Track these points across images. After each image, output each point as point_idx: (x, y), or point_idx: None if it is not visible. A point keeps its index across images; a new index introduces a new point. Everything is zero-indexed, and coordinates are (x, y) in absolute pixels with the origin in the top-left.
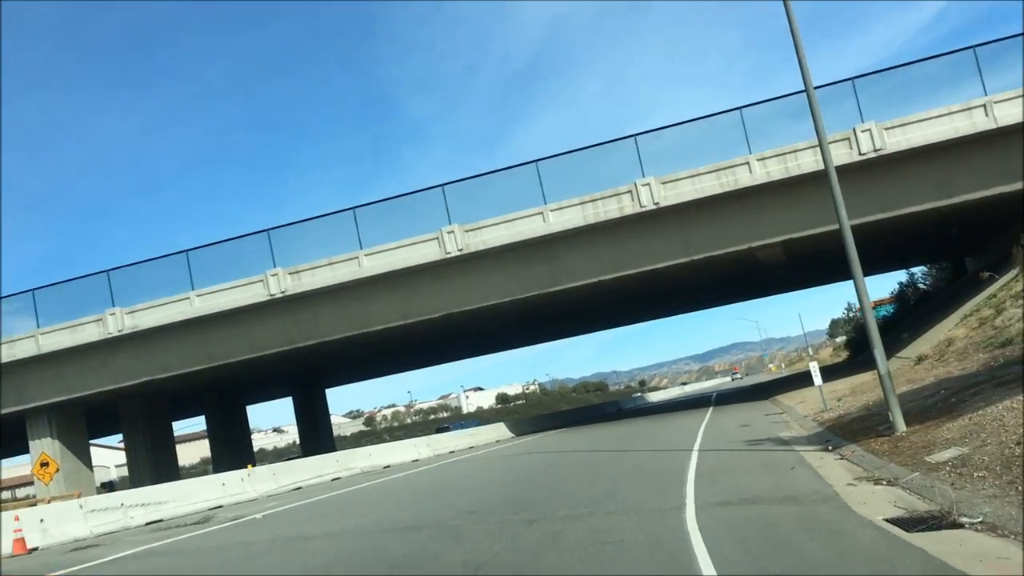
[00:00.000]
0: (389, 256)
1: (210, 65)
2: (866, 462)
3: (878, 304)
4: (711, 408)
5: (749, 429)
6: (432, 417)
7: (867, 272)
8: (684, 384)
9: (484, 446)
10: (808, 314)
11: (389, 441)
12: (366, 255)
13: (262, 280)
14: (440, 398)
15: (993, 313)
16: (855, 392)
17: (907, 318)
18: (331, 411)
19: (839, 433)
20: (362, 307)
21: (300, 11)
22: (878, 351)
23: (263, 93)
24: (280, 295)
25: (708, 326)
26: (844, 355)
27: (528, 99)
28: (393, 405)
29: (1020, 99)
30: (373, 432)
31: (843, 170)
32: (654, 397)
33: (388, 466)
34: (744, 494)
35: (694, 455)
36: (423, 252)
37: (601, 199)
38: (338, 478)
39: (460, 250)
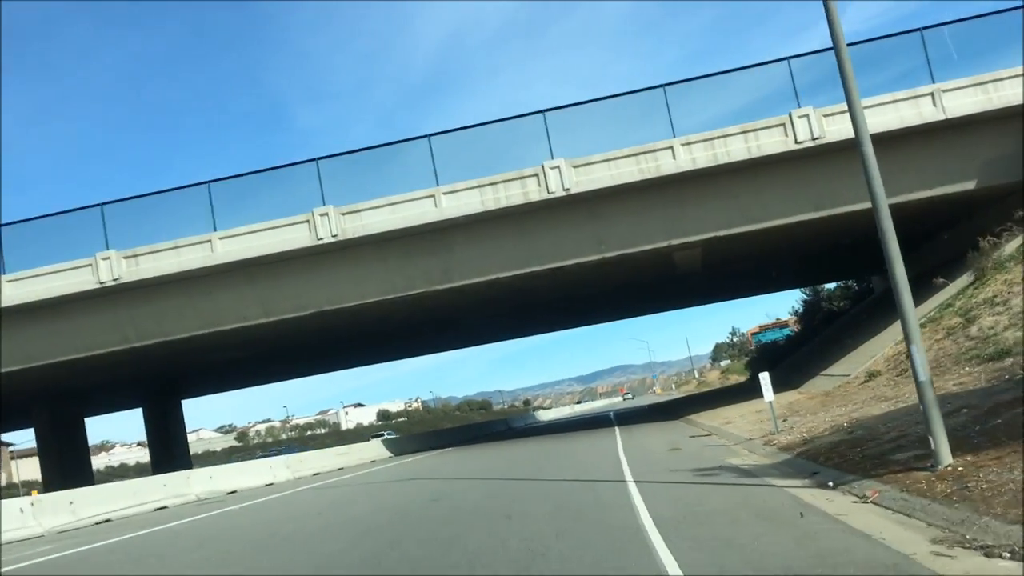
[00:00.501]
0: (249, 240)
1: (95, 62)
2: (925, 511)
3: (766, 328)
4: (616, 428)
5: (684, 454)
6: (308, 433)
7: (762, 291)
8: (579, 402)
9: (357, 467)
10: (690, 338)
11: (262, 457)
12: (221, 238)
13: (90, 264)
14: (319, 413)
15: (962, 322)
16: (794, 412)
17: (813, 337)
18: (203, 425)
19: (828, 463)
20: (215, 301)
21: (190, 11)
22: (916, 347)
23: (148, 94)
24: (113, 283)
25: (591, 348)
26: (735, 377)
27: (420, 117)
28: (268, 420)
29: (978, 87)
30: (245, 448)
31: (776, 160)
32: (545, 416)
33: (234, 492)
34: (763, 567)
35: (633, 488)
36: (290, 237)
37: (503, 182)
38: (164, 507)
39: (335, 236)
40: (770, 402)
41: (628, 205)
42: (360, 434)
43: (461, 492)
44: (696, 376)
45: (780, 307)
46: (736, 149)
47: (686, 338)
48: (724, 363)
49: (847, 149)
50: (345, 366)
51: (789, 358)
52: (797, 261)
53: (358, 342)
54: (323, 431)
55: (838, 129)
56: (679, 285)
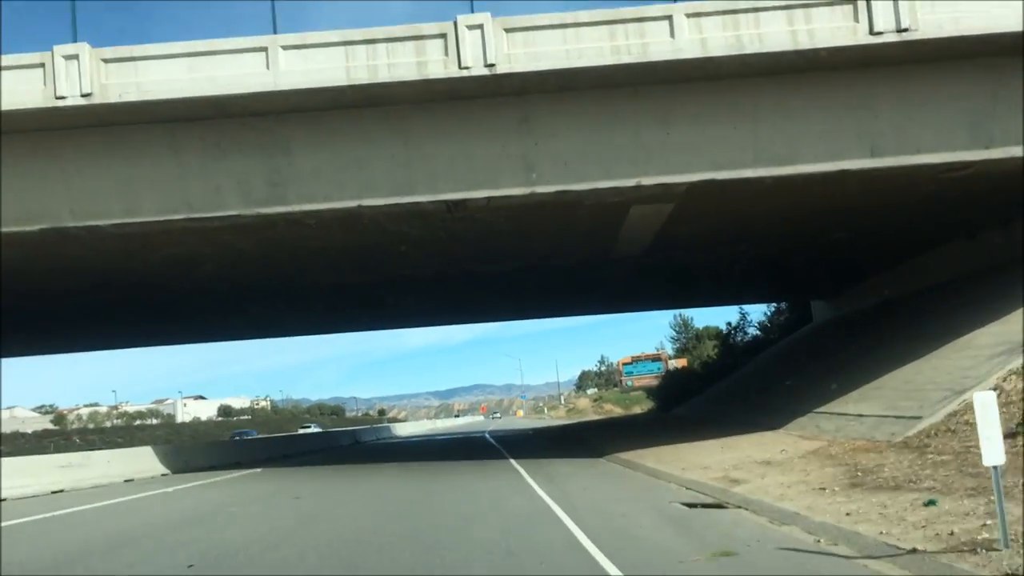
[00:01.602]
0: None
1: None
2: None
3: (638, 359)
4: (513, 462)
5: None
6: (138, 423)
7: (677, 304)
8: (457, 415)
9: (92, 491)
10: (549, 366)
11: (82, 448)
12: None
13: None
14: (154, 402)
15: None
16: (892, 486)
17: (734, 369)
18: (19, 402)
19: None
20: None
21: None
22: None
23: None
24: None
25: (450, 364)
26: (611, 407)
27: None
28: (95, 404)
29: None
30: (62, 433)
31: (832, 62)
32: (403, 430)
33: None
34: None
35: None
36: (10, 89)
37: (386, 41)
38: None
39: (87, 96)
40: (995, 467)
41: (585, 110)
42: (195, 428)
43: None
44: (562, 402)
45: (646, 337)
46: (773, 33)
47: (556, 362)
48: (591, 391)
49: (942, 59)
50: (144, 341)
51: (708, 389)
52: (760, 261)
53: (144, 297)
54: (155, 422)
55: (936, 20)
56: (601, 275)
